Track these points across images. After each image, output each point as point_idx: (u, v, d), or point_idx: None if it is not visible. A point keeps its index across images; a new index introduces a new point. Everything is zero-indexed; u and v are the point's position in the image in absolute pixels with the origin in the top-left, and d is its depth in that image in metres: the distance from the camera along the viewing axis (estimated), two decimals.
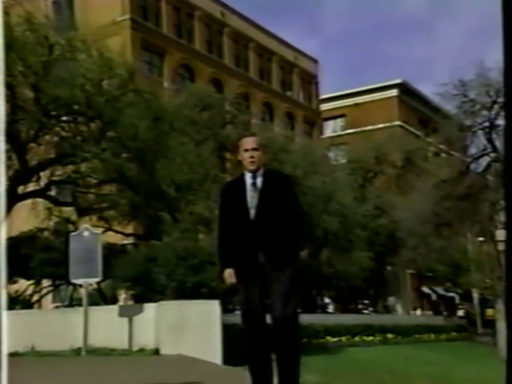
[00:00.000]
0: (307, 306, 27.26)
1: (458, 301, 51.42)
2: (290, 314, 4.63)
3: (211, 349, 11.67)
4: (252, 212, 4.68)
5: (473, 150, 30.15)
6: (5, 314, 2.99)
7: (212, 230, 19.32)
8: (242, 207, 4.71)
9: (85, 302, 12.18)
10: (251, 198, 4.72)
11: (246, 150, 4.80)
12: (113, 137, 18.58)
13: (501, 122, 26.61)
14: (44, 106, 17.14)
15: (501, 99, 25.68)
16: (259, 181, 4.78)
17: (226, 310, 13.78)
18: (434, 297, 51.45)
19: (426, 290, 50.75)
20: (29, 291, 18.50)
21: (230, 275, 4.72)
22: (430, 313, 45.72)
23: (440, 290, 50.99)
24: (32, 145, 18.47)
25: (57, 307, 23.07)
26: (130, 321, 12.47)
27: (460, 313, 47.71)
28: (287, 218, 4.72)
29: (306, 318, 17.65)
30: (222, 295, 13.35)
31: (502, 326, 22.60)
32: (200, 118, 27.04)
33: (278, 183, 4.81)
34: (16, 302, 16.20)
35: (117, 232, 22.15)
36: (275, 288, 4.62)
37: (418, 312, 44.82)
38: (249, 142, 4.84)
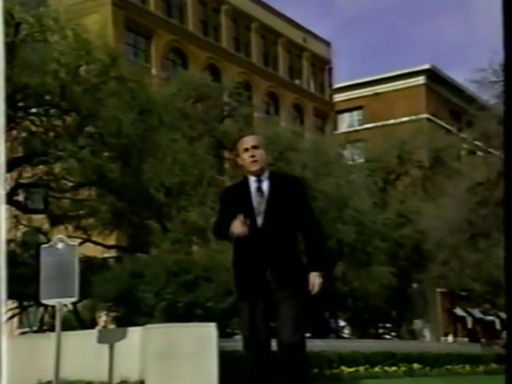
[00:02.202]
0: (318, 330, 27.17)
1: (498, 326, 51.17)
2: (299, 339, 4.60)
3: (206, 380, 11.61)
4: (259, 219, 4.67)
5: None
6: (4, 339, 2.97)
7: (208, 241, 19.32)
8: (248, 213, 4.68)
9: (58, 326, 12.09)
10: (257, 203, 4.72)
11: (246, 150, 4.81)
12: (92, 132, 18.58)
13: None
14: (10, 96, 17.10)
15: None
16: (265, 185, 4.78)
17: (223, 334, 13.73)
18: (469, 320, 51.25)
19: (459, 312, 50.57)
20: None
21: (240, 223, 4.55)
22: (464, 339, 45.55)
23: (477, 313, 50.73)
24: None
25: (24, 333, 23.01)
26: (111, 348, 12.40)
27: None
28: (301, 229, 4.75)
29: (316, 344, 17.56)
30: (220, 317, 13.32)
31: None
32: (194, 110, 27.06)
33: (287, 187, 4.81)
34: None
35: (96, 244, 22.13)
36: (283, 309, 4.61)
37: (450, 338, 44.70)
38: (248, 141, 4.86)
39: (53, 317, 17.42)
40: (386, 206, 34.30)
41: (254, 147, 4.80)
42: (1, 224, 2.99)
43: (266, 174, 4.82)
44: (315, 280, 4.64)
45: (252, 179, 4.80)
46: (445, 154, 40.03)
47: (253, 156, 4.77)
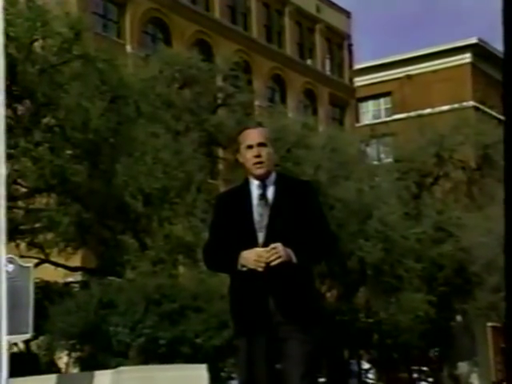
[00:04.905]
0: (336, 374, 27.15)
1: None
2: None
3: None
4: (260, 235, 4.70)
5: None
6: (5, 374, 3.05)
7: (197, 261, 19.32)
8: (247, 228, 4.72)
9: (4, 370, 12.08)
10: (259, 215, 4.75)
11: (250, 147, 4.82)
12: (51, 125, 18.61)
13: None
14: None
15: None
16: (270, 191, 4.80)
17: (216, 378, 13.74)
18: None
19: None
20: None
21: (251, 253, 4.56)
22: None
23: None
24: None
25: None
26: None
27: None
28: (311, 246, 4.74)
29: None
30: (212, 357, 13.32)
31: None
32: (179, 97, 27.11)
33: (297, 194, 4.82)
34: None
35: (57, 265, 22.12)
36: (291, 348, 4.62)
37: None
38: (252, 136, 4.87)
39: None
40: (420, 217, 34.29)
41: (261, 145, 4.80)
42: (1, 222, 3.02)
43: (273, 177, 4.83)
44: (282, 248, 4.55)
45: (255, 183, 4.81)
46: (496, 151, 39.97)
47: (258, 156, 4.77)
